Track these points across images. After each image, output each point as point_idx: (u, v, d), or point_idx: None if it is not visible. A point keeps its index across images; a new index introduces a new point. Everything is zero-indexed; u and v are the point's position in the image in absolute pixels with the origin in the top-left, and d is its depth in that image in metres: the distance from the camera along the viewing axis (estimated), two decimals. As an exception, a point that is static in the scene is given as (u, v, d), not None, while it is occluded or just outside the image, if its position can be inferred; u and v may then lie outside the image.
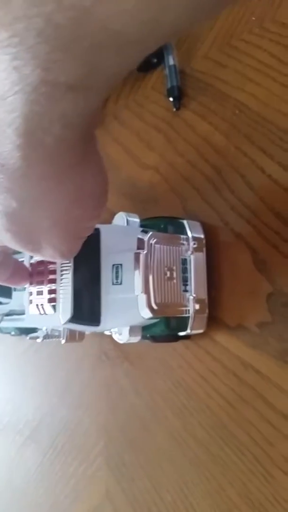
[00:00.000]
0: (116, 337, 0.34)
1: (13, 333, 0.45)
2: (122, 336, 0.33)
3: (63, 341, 0.34)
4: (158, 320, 0.33)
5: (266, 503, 0.30)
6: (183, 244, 0.34)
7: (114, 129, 0.47)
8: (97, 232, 0.33)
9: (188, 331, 0.34)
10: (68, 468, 0.47)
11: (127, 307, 0.32)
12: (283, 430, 0.30)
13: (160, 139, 0.42)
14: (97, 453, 0.44)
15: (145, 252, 0.32)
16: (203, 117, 0.38)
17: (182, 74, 0.40)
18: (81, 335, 0.34)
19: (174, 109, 0.40)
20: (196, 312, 0.34)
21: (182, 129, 0.40)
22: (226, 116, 0.36)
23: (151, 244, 0.32)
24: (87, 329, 0.33)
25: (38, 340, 0.36)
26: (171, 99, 0.40)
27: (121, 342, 0.34)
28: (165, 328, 0.33)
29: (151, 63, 0.42)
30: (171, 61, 0.41)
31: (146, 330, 0.34)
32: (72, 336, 0.34)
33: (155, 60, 0.42)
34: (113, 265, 0.33)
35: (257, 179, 0.33)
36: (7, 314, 0.42)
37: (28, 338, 0.37)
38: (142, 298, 0.31)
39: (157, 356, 0.39)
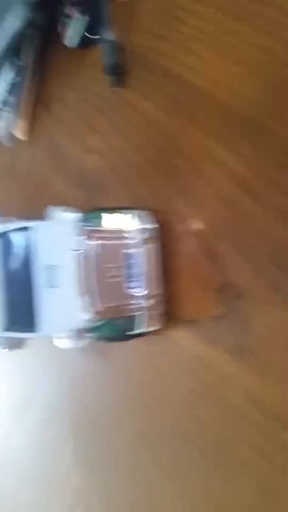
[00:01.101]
0: (57, 342, 0.32)
1: None
2: (64, 341, 0.31)
3: (5, 350, 0.32)
4: (104, 321, 0.31)
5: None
6: (130, 237, 0.32)
7: (59, 112, 0.44)
8: (28, 231, 0.31)
9: (141, 329, 0.32)
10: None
11: (67, 311, 0.29)
12: (240, 426, 0.28)
13: (103, 121, 0.39)
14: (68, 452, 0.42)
15: (82, 250, 0.29)
16: (145, 95, 0.35)
17: (122, 50, 0.37)
18: (19, 342, 0.32)
19: (114, 89, 0.36)
20: (149, 308, 0.31)
21: (124, 109, 0.37)
22: (167, 93, 0.33)
23: (89, 242, 0.29)
24: (26, 336, 0.31)
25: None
26: (110, 77, 0.36)
27: (63, 347, 0.31)
28: (112, 329, 0.31)
29: (90, 39, 0.39)
30: (109, 36, 0.37)
31: (93, 332, 0.32)
32: (14, 344, 0.32)
33: (94, 36, 0.38)
34: (48, 266, 0.30)
35: (203, 162, 0.30)
36: None
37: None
38: (82, 301, 0.29)
39: (117, 354, 0.37)
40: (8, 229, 0.32)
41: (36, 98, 0.46)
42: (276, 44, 0.26)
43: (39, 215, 0.33)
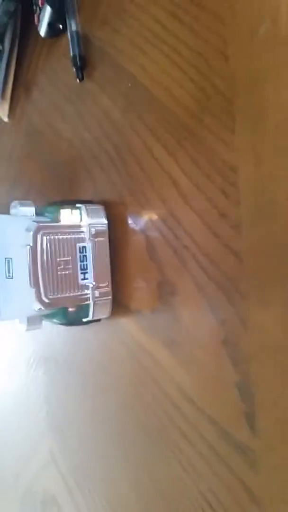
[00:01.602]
0: (18, 326, 0.35)
1: None
2: (22, 325, 0.34)
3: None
4: (57, 309, 0.34)
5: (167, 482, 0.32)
6: (81, 232, 0.34)
7: (36, 97, 0.45)
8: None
9: (90, 317, 0.35)
10: (23, 429, 0.51)
11: (21, 300, 0.32)
12: (172, 415, 0.31)
13: (71, 111, 0.40)
14: (42, 419, 0.47)
15: (30, 245, 0.31)
16: (103, 90, 0.36)
17: (85, 40, 0.37)
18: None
19: (77, 81, 0.37)
20: (97, 299, 0.34)
21: (87, 100, 0.38)
22: (121, 89, 0.34)
23: (39, 236, 0.32)
24: (-10, 320, 0.35)
25: None
26: (74, 69, 0.37)
27: (22, 330, 0.35)
28: (63, 317, 0.34)
29: (58, 28, 0.39)
30: (73, 26, 0.38)
31: (48, 318, 0.35)
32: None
33: (60, 26, 0.39)
34: (5, 258, 0.33)
35: (147, 162, 0.32)
36: None
37: None
38: (32, 292, 0.32)
39: (78, 337, 0.40)
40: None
41: (16, 81, 0.47)
42: (206, 48, 0.27)
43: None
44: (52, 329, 0.44)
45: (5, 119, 0.50)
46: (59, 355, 0.44)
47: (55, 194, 0.43)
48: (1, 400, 0.58)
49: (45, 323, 0.35)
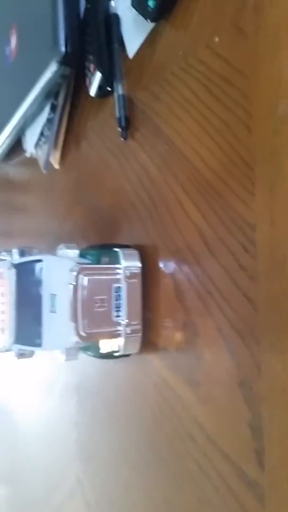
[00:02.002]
0: (57, 356, 0.39)
1: None
2: (62, 356, 0.38)
3: (15, 358, 0.40)
4: (92, 343, 0.38)
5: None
6: (117, 273, 0.38)
7: (85, 149, 0.51)
8: (40, 263, 0.38)
9: (121, 352, 0.38)
10: (53, 453, 0.54)
11: (62, 333, 0.36)
12: (189, 447, 0.33)
13: (115, 164, 0.45)
14: (72, 444, 0.50)
15: (73, 284, 0.36)
16: (143, 148, 0.40)
17: (130, 103, 0.42)
18: (31, 353, 0.40)
19: (122, 139, 0.42)
20: (128, 335, 0.38)
21: (129, 156, 0.42)
22: (158, 150, 0.38)
23: (80, 277, 0.36)
24: (33, 349, 0.39)
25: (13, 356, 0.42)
26: (119, 128, 0.42)
27: (61, 361, 0.38)
28: (97, 350, 0.38)
29: (106, 91, 0.45)
30: (120, 90, 0.43)
31: (84, 351, 0.39)
32: (22, 353, 0.39)
33: (108, 89, 0.44)
34: (51, 294, 0.37)
35: (178, 214, 0.36)
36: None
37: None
38: (72, 326, 0.35)
39: (109, 370, 0.44)
40: (25, 260, 0.39)
41: (67, 133, 0.53)
42: (233, 119, 0.31)
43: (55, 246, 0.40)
44: (85, 361, 0.47)
45: (56, 166, 0.56)
46: (90, 385, 0.47)
47: (96, 237, 0.47)
48: (34, 424, 0.61)
49: (80, 355, 0.38)
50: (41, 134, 0.56)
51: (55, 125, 0.54)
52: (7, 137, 0.63)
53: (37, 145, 0.57)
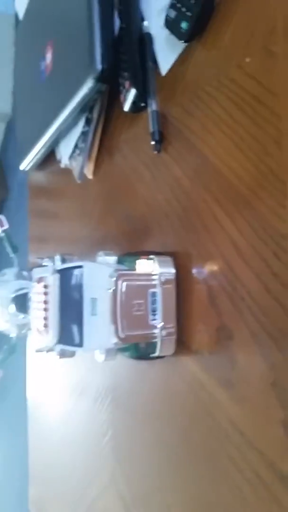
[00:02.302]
0: (96, 357, 0.41)
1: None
2: (101, 356, 0.41)
3: (57, 357, 0.42)
4: (129, 345, 0.40)
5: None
6: (152, 279, 0.40)
7: (118, 161, 0.53)
8: (81, 269, 0.41)
9: (159, 353, 0.40)
10: (88, 451, 0.57)
11: (102, 334, 0.39)
12: (224, 444, 0.35)
13: (148, 175, 0.47)
14: (106, 442, 0.53)
15: (112, 289, 0.38)
16: (176, 161, 0.42)
17: (163, 118, 0.45)
18: (72, 352, 0.42)
19: (155, 152, 0.45)
20: (164, 337, 0.40)
21: (162, 169, 0.45)
22: (191, 163, 0.40)
23: (119, 282, 0.38)
24: (74, 349, 0.41)
25: (44, 353, 0.45)
26: (152, 142, 0.45)
27: (99, 360, 0.41)
28: (134, 351, 0.40)
29: (140, 106, 0.47)
30: (153, 106, 0.45)
31: (121, 352, 0.41)
32: (64, 353, 0.42)
33: (142, 104, 0.47)
34: (91, 298, 0.39)
35: (211, 224, 0.38)
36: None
37: (35, 351, 0.45)
38: (111, 328, 0.38)
39: (144, 371, 0.46)
40: (67, 267, 0.42)
41: (101, 146, 0.56)
42: (264, 136, 0.33)
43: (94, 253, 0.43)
44: (121, 362, 0.50)
45: (90, 177, 0.58)
46: (126, 386, 0.49)
47: (128, 245, 0.49)
48: (71, 422, 0.64)
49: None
50: (76, 146, 0.59)
51: (89, 138, 0.56)
52: (42, 147, 0.67)
53: (71, 156, 0.60)
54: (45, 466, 0.74)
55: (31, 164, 0.73)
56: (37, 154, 0.69)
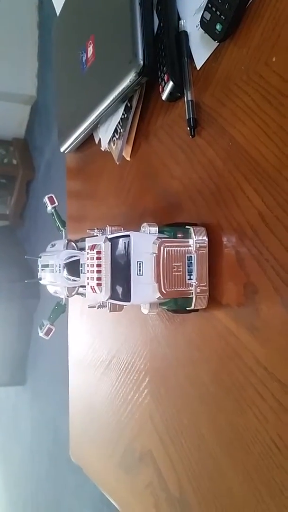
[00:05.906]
0: (142, 309, 0.49)
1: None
2: (145, 309, 0.49)
3: (108, 311, 0.50)
4: (169, 299, 0.48)
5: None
6: (189, 246, 0.48)
7: (154, 144, 0.60)
8: (129, 237, 0.48)
9: (192, 307, 0.48)
10: (126, 396, 0.65)
11: (147, 290, 0.47)
12: (250, 378, 0.43)
13: (183, 157, 0.54)
14: (144, 386, 0.61)
15: (156, 254, 0.46)
16: (210, 144, 0.49)
17: (197, 107, 0.51)
18: (121, 307, 0.50)
19: (190, 136, 0.52)
20: (198, 294, 0.48)
21: (196, 151, 0.52)
22: (223, 146, 0.47)
23: (161, 248, 0.46)
24: (123, 304, 0.49)
25: (95, 309, 0.53)
26: (188, 128, 0.52)
27: (145, 313, 0.49)
28: (173, 304, 0.48)
29: (176, 96, 0.54)
30: (189, 96, 0.52)
31: (163, 305, 0.49)
32: (114, 307, 0.50)
33: (178, 94, 0.54)
34: (137, 261, 0.47)
35: (240, 198, 0.45)
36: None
37: (88, 306, 0.54)
38: (155, 285, 0.46)
39: (179, 322, 0.54)
40: (116, 235, 0.50)
41: (138, 131, 0.63)
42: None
43: (138, 224, 0.50)
44: (160, 317, 0.58)
45: (128, 158, 0.66)
46: (162, 337, 0.58)
47: (165, 218, 0.57)
48: (110, 372, 0.73)
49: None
50: (115, 131, 0.66)
51: (128, 124, 0.63)
52: (82, 132, 0.74)
53: (110, 140, 0.67)
54: (84, 409, 0.83)
55: (71, 147, 0.80)
56: (77, 138, 0.76)
